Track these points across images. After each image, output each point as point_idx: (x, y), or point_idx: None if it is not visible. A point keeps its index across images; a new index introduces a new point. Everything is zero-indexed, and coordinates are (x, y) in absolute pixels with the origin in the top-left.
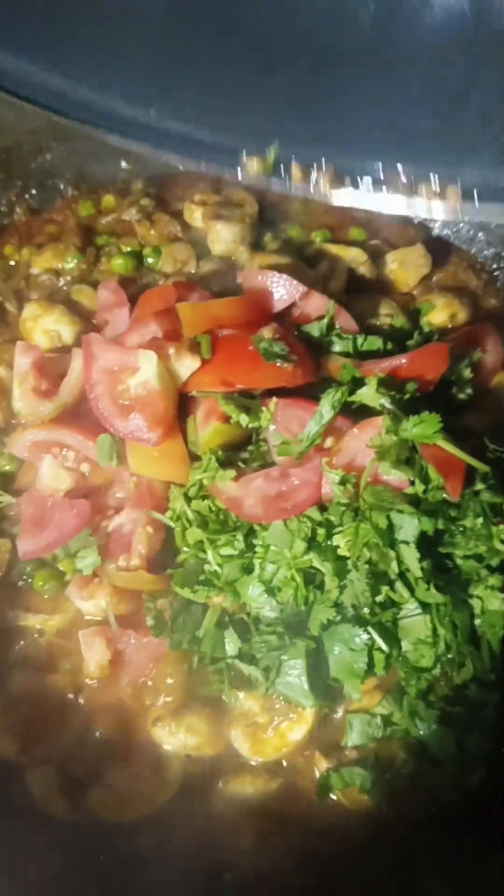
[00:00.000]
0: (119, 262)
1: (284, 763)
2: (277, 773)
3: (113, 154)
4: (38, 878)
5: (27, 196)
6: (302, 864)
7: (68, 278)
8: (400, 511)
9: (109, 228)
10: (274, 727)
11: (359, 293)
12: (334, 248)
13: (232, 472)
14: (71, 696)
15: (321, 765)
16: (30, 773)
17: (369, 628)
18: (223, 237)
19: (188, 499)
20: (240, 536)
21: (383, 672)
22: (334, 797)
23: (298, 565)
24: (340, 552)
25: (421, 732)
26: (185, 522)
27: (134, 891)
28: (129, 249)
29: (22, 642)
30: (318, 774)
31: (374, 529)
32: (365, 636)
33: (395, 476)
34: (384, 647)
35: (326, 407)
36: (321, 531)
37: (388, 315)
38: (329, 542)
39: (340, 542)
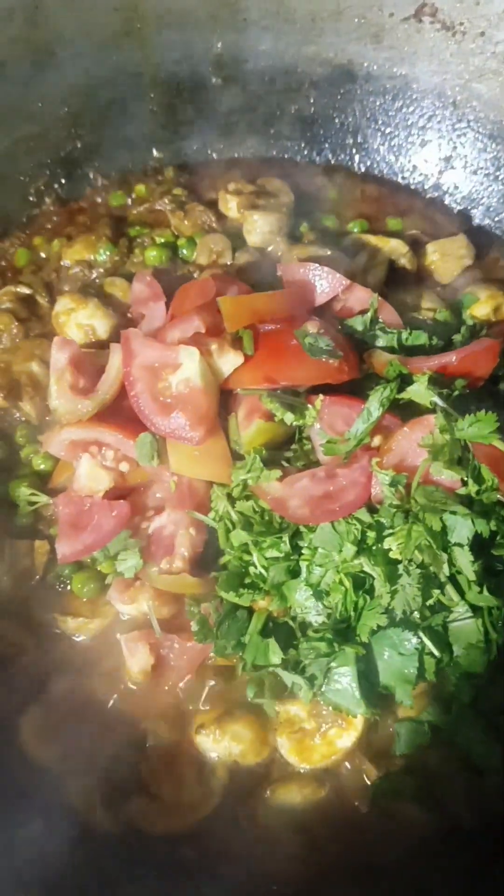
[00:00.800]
0: (153, 254)
1: (332, 770)
2: (325, 781)
3: (144, 141)
4: (79, 891)
5: (56, 185)
6: (352, 876)
7: (101, 270)
8: (453, 512)
9: (141, 219)
10: (322, 734)
11: (399, 286)
12: (373, 239)
13: (277, 472)
14: (112, 701)
15: (371, 773)
16: (69, 779)
17: (420, 633)
18: (260, 227)
19: (232, 499)
20: (286, 538)
21: (434, 678)
22: (385, 806)
23: (347, 569)
24: (392, 555)
25: (466, 740)
26: (228, 524)
27: None
28: (162, 240)
29: (61, 646)
30: (368, 783)
31: (427, 531)
32: (415, 640)
33: (448, 476)
34: (435, 651)
35: (375, 404)
36: (371, 534)
37: (429, 309)
38: (380, 546)
39: (392, 544)
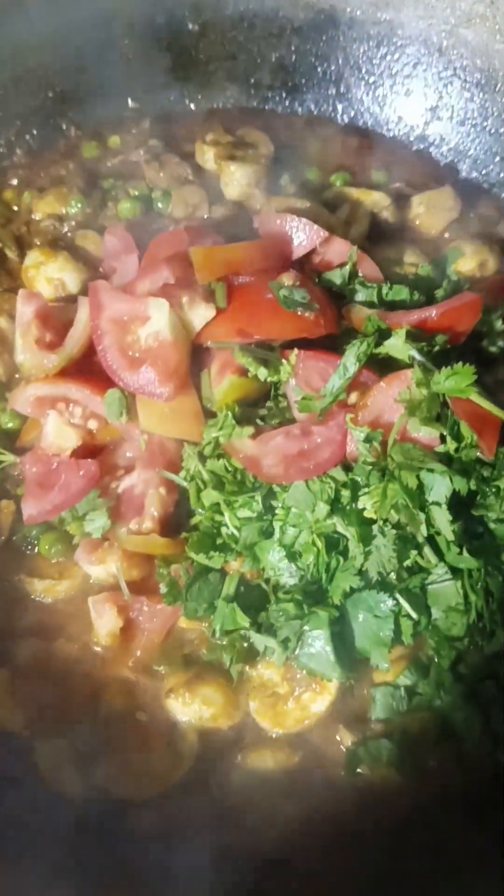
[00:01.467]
0: (126, 207)
1: (306, 736)
2: (299, 747)
3: (119, 91)
4: (48, 855)
5: (27, 136)
6: (328, 842)
7: (72, 224)
8: (431, 470)
9: (115, 171)
10: (295, 698)
11: (382, 240)
12: (355, 192)
13: (250, 430)
14: (81, 664)
15: (346, 739)
16: (38, 746)
17: (396, 594)
18: (237, 179)
19: (203, 458)
20: (258, 497)
21: (411, 641)
22: (361, 772)
23: (320, 529)
24: (367, 515)
25: (445, 705)
26: (199, 483)
27: (148, 868)
28: (136, 193)
29: (28, 609)
30: (343, 749)
31: (403, 490)
32: (391, 602)
33: (426, 433)
34: (413, 613)
35: (351, 359)
36: (346, 492)
37: (412, 264)
38: (354, 505)
39: (367, 503)
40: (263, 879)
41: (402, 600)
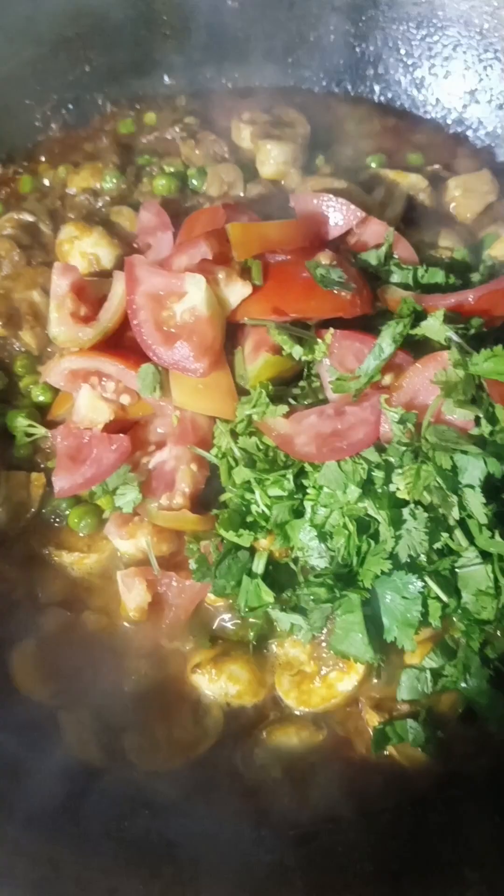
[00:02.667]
0: (161, 183)
1: (331, 715)
2: (324, 725)
3: (156, 67)
4: (71, 824)
5: (63, 111)
6: (350, 822)
7: (107, 199)
8: (465, 452)
9: (151, 147)
10: (322, 677)
11: (417, 223)
12: (391, 174)
13: (284, 408)
14: (108, 637)
15: (373, 719)
16: (63, 715)
17: (425, 577)
18: (273, 157)
19: (235, 435)
20: (290, 476)
21: (439, 623)
22: (386, 752)
23: (352, 512)
24: (399, 495)
25: (471, 688)
26: (231, 461)
27: (171, 841)
28: (172, 170)
29: (56, 581)
30: (370, 729)
31: (437, 471)
32: (420, 584)
33: (461, 415)
34: (442, 596)
35: (387, 340)
36: (378, 474)
37: (447, 248)
38: (386, 488)
39: (400, 483)
40: (286, 854)
41: (431, 583)
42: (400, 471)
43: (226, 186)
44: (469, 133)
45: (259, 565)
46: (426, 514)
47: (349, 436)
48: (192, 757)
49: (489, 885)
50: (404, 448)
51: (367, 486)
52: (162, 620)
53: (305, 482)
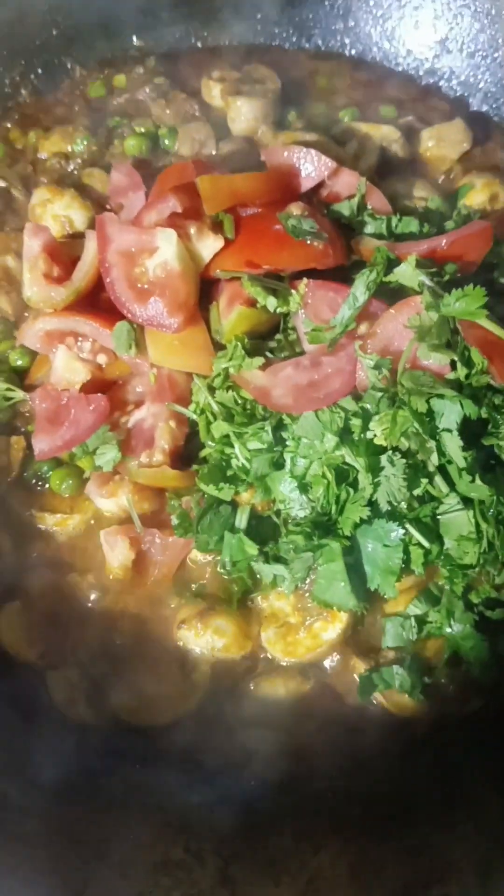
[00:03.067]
0: (132, 144)
1: (317, 665)
2: (310, 675)
3: (124, 29)
4: (63, 781)
5: (32, 76)
6: (339, 769)
7: (78, 162)
8: (441, 396)
9: (121, 109)
10: (306, 627)
11: (391, 174)
12: (364, 127)
13: (260, 360)
14: (93, 597)
15: (359, 667)
16: (50, 675)
17: (406, 524)
18: (244, 114)
19: (212, 390)
20: (268, 428)
21: (422, 570)
22: (374, 700)
23: (330, 461)
24: (377, 442)
25: (455, 633)
26: (209, 416)
27: (163, 794)
28: (143, 130)
29: (39, 544)
30: (356, 676)
31: (414, 416)
32: (400, 532)
33: (436, 360)
34: (424, 542)
35: (361, 289)
36: (356, 422)
37: (422, 197)
38: (363, 436)
39: (377, 429)
40: (275, 802)
41: (412, 530)
42: (377, 417)
43: (198, 145)
44: (442, 83)
45: (241, 519)
46: (404, 461)
47: (325, 386)
48: (181, 711)
49: (476, 822)
50: (380, 394)
51: (344, 435)
52: (146, 578)
53: (284, 434)
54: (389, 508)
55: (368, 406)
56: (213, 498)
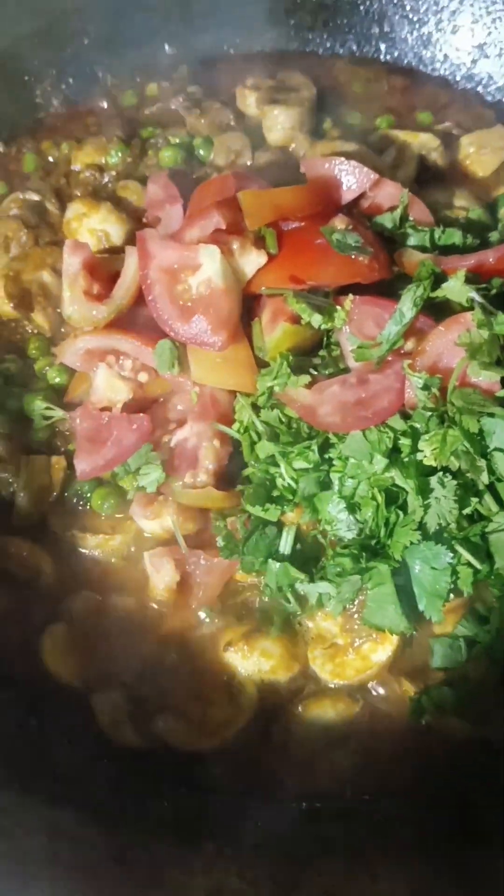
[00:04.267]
0: (168, 155)
1: (366, 687)
2: (359, 697)
3: (155, 37)
4: (113, 808)
5: (63, 86)
6: (389, 793)
7: (113, 174)
8: (492, 415)
9: (154, 119)
10: (355, 649)
11: (430, 183)
12: (402, 135)
13: (306, 378)
14: (136, 619)
15: (409, 689)
16: (95, 697)
17: (456, 544)
18: (280, 123)
19: (256, 409)
20: (314, 447)
21: (470, 589)
22: (424, 722)
23: (379, 482)
24: (426, 462)
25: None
26: (253, 435)
27: (213, 819)
28: (177, 141)
29: (82, 564)
30: (407, 698)
31: (464, 435)
32: (449, 555)
33: (486, 377)
34: (475, 562)
35: (408, 304)
36: (405, 441)
37: (463, 207)
38: (413, 456)
39: (426, 450)
40: (327, 827)
41: (462, 549)
42: (426, 437)
43: (233, 155)
44: (479, 89)
45: (287, 542)
46: (455, 481)
47: (373, 404)
48: (229, 735)
49: None
50: (430, 413)
51: (393, 455)
52: (191, 600)
53: (331, 453)
54: (438, 529)
55: (418, 425)
56: (258, 518)
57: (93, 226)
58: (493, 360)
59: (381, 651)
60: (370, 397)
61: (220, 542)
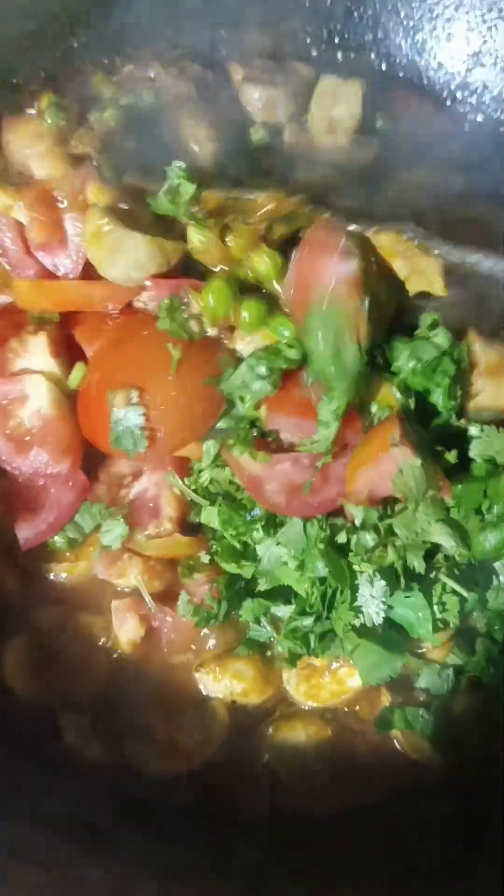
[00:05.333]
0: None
1: (340, 710)
2: (331, 719)
3: (147, 39)
4: (75, 830)
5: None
6: (359, 814)
7: None
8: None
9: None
10: (331, 672)
11: None
12: None
13: (266, 457)
14: (103, 639)
15: (386, 697)
16: (63, 716)
17: (442, 576)
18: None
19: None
20: (259, 527)
21: (457, 621)
22: (398, 745)
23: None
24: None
25: (493, 682)
26: (199, 499)
27: (171, 839)
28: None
29: (47, 584)
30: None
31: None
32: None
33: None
34: (463, 592)
35: (327, 417)
36: (342, 538)
37: None
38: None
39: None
40: (290, 852)
41: (446, 578)
42: (366, 557)
43: None
44: (474, 98)
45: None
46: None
47: (321, 493)
48: (198, 760)
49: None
50: (372, 541)
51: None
52: (158, 653)
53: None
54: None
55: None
56: (233, 575)
57: None
58: (436, 487)
59: (357, 677)
60: (319, 483)
61: (191, 618)
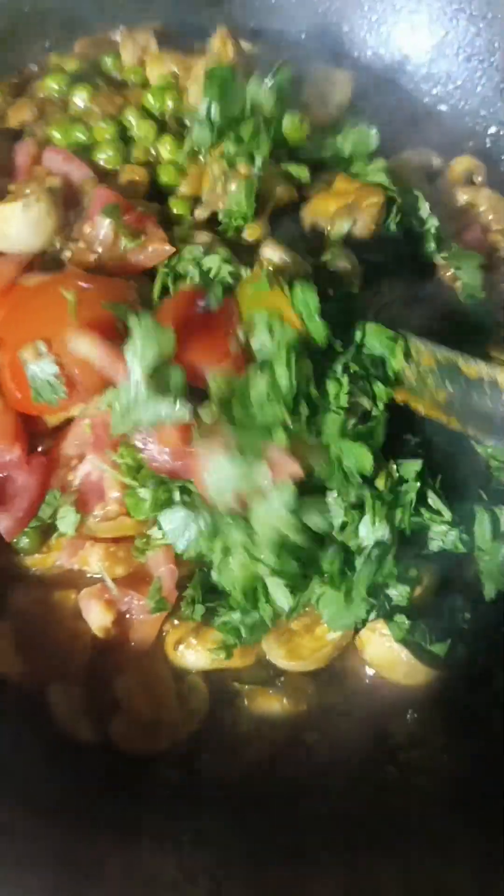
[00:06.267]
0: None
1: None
2: (312, 683)
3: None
4: (57, 803)
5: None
6: (331, 789)
7: None
8: None
9: None
10: (309, 631)
11: None
12: None
13: None
14: (80, 614)
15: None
16: (52, 690)
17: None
18: None
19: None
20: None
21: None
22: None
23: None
24: None
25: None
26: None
27: (157, 815)
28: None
29: (22, 572)
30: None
31: None
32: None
33: None
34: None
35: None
36: None
37: None
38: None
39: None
40: (270, 825)
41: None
42: None
43: None
44: (437, 88)
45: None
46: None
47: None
48: (177, 738)
49: (475, 844)
50: None
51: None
52: (131, 636)
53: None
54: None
55: None
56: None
57: None
58: None
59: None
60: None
61: (150, 604)
